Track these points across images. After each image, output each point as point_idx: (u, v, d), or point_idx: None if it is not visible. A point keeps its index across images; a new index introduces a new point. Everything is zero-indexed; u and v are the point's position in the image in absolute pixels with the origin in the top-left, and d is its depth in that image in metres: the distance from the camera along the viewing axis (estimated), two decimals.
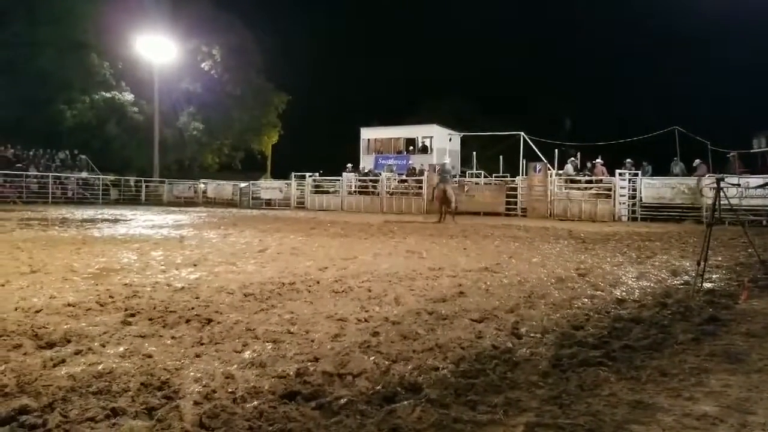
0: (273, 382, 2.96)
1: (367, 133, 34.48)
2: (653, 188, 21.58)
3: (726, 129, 29.11)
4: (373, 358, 3.39)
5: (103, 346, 3.52)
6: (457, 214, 19.61)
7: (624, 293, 5.73)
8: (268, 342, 3.70)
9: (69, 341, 3.60)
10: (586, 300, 5.33)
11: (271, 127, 51.34)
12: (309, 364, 3.26)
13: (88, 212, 21.29)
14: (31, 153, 34.55)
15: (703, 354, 3.54)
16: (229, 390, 2.83)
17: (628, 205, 22.06)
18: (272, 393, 2.81)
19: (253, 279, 6.13)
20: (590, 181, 23.39)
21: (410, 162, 30.70)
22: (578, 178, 23.82)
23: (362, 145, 34.32)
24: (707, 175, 19.67)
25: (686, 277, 6.72)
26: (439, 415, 2.55)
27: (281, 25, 55.31)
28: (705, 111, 40.56)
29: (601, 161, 23.63)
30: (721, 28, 42.04)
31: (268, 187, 34.81)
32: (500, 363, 3.33)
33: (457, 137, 32.07)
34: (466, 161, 31.96)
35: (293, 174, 32.43)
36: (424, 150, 32.18)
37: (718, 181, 5.95)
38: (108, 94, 40.72)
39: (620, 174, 22.20)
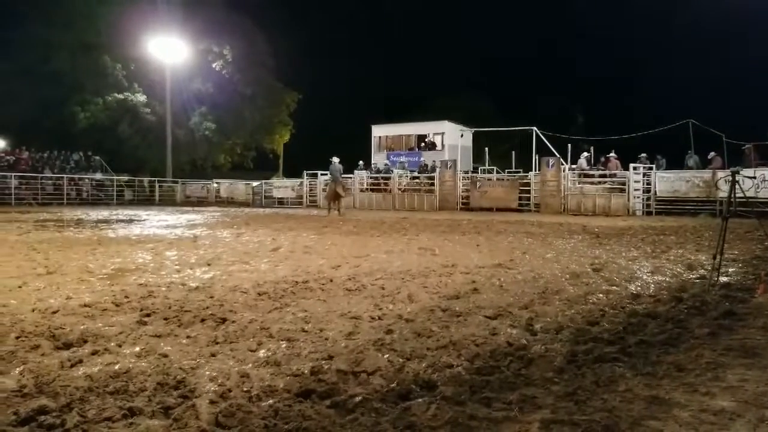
0: (288, 381, 2.97)
1: (378, 131, 34.41)
2: (668, 182, 21.41)
3: (741, 121, 28.77)
4: (387, 355, 3.40)
5: (120, 346, 3.55)
6: (470, 210, 20.16)
7: (639, 288, 5.70)
8: (282, 341, 3.72)
9: (86, 341, 3.63)
10: (601, 295, 5.30)
11: (283, 125, 51.41)
12: (323, 362, 3.27)
13: (102, 213, 21.46)
14: (46, 155, 34.86)
15: (719, 349, 3.51)
16: (245, 389, 2.85)
17: (643, 199, 21.90)
18: (287, 391, 2.82)
19: (267, 278, 6.15)
20: (604, 176, 23.25)
21: (422, 159, 30.62)
22: (592, 172, 23.68)
23: (373, 142, 34.26)
24: (722, 168, 19.51)
25: (702, 272, 6.67)
26: (454, 413, 2.55)
27: (292, 23, 55.37)
28: (720, 103, 40.18)
29: (615, 155, 23.47)
30: (736, 19, 41.56)
31: (281, 186, 34.94)
32: (515, 360, 3.33)
33: (468, 133, 31.96)
34: (478, 157, 31.86)
35: (305, 172, 32.50)
36: (436, 146, 32.06)
37: (734, 173, 5.89)
38: (121, 96, 40.95)
39: (634, 168, 22.04)
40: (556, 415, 2.53)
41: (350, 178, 30.40)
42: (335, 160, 22.14)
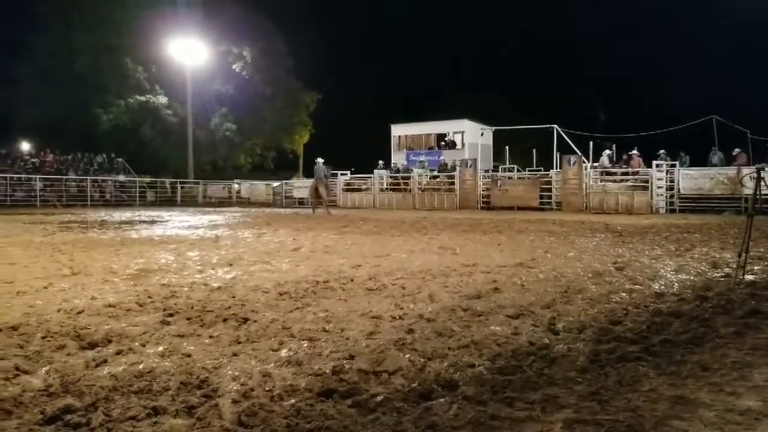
0: (309, 380, 2.98)
1: (398, 130, 34.35)
2: (691, 179, 21.15)
3: (766, 116, 28.33)
4: (408, 355, 3.39)
5: (143, 346, 3.59)
6: (491, 209, 20.33)
7: (663, 287, 5.63)
8: (303, 340, 3.73)
9: (110, 341, 3.68)
10: (624, 294, 5.25)
11: (302, 126, 51.58)
12: (345, 361, 3.27)
13: (125, 214, 21.70)
14: (70, 157, 35.36)
15: (745, 348, 3.46)
16: (267, 388, 2.86)
17: (666, 196, 21.67)
18: (309, 391, 2.83)
19: (288, 278, 6.17)
20: (626, 173, 23.03)
21: (441, 158, 30.52)
22: (614, 170, 23.47)
23: (393, 142, 34.22)
24: (747, 165, 19.22)
25: (727, 270, 6.58)
26: (475, 412, 2.54)
27: (310, 23, 55.48)
28: (744, 98, 39.52)
29: (637, 152, 23.24)
30: (760, 12, 40.87)
31: (301, 186, 35.05)
32: (537, 359, 3.31)
33: (489, 132, 31.79)
34: (498, 156, 31.70)
35: None
36: (456, 145, 31.93)
37: (759, 170, 5.79)
38: (142, 98, 41.40)
39: (657, 165, 21.81)
40: (579, 415, 2.51)
41: (369, 177, 30.47)
42: (319, 161, 23.29)
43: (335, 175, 31.55)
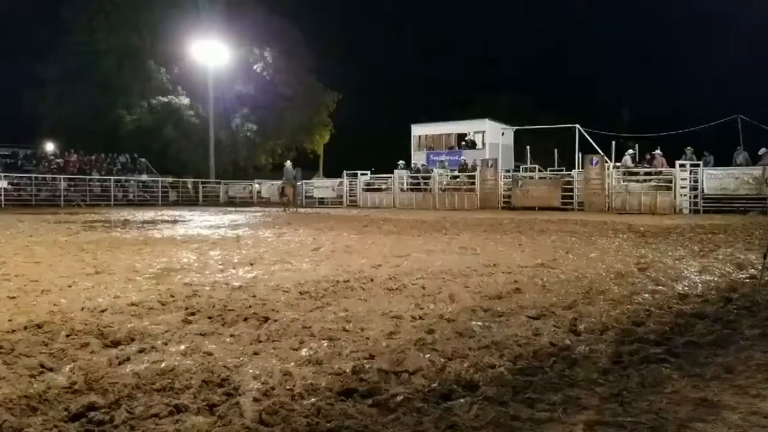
0: (330, 380, 2.98)
1: (418, 130, 34.30)
2: (715, 179, 20.88)
3: None
4: (428, 355, 3.38)
5: (166, 345, 3.62)
6: (512, 209, 22.68)
7: (686, 288, 5.56)
8: (324, 339, 3.74)
9: (133, 340, 3.71)
10: (647, 295, 5.19)
11: (323, 126, 51.77)
12: (365, 361, 3.27)
13: (148, 214, 21.92)
14: (93, 157, 35.83)
15: None
16: (287, 387, 2.87)
17: (690, 197, 21.41)
18: (329, 390, 2.84)
19: (308, 277, 6.19)
20: (649, 173, 22.79)
21: (462, 158, 30.42)
22: (637, 170, 23.24)
23: (413, 141, 34.17)
24: None
25: (752, 271, 6.48)
26: (496, 413, 2.53)
27: (331, 23, 55.63)
28: None
29: (660, 152, 22.99)
30: None
31: (321, 186, 35.18)
32: (558, 360, 3.28)
33: (510, 131, 31.63)
34: (519, 156, 31.54)
35: (345, 172, 32.66)
36: (476, 145, 31.80)
37: None
38: (165, 99, 41.85)
39: (681, 165, 21.55)
40: (601, 417, 2.49)
41: (389, 177, 30.49)
42: (288, 163, 26.05)
43: (354, 175, 31.65)
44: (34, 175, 31.10)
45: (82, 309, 4.59)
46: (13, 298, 5.04)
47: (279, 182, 26.95)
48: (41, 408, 2.61)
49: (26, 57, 41.50)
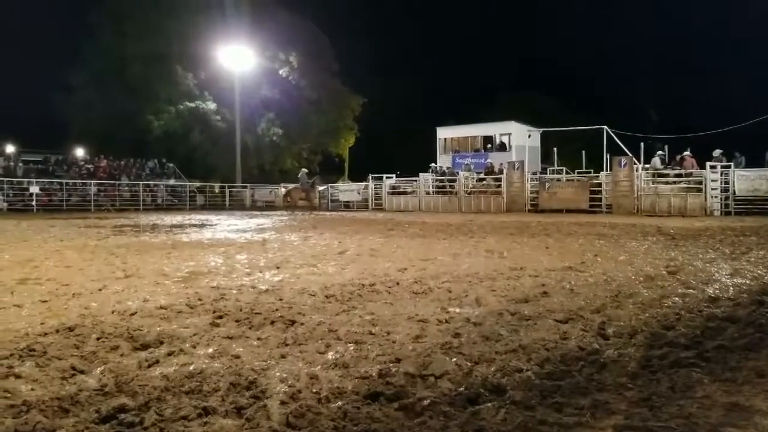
0: (356, 383, 2.98)
1: (444, 133, 34.22)
2: (747, 180, 20.50)
3: None
4: (455, 359, 3.37)
5: (194, 347, 3.65)
6: (539, 212, 23.31)
7: (717, 291, 5.46)
8: (350, 343, 3.74)
9: (162, 343, 3.75)
10: (677, 299, 5.11)
11: (348, 129, 51.97)
12: (391, 365, 3.27)
13: (176, 218, 22.18)
14: (122, 162, 36.38)
15: None
16: (314, 390, 2.88)
17: (721, 198, 21.05)
18: (356, 393, 2.84)
19: (334, 280, 6.20)
20: (679, 175, 22.45)
21: (488, 160, 30.28)
22: (666, 171, 22.91)
23: (439, 144, 34.10)
24: None
25: None
26: (524, 417, 2.51)
27: (356, 27, 55.87)
28: None
29: (690, 153, 22.64)
30: None
31: (346, 190, 35.27)
32: (587, 364, 3.24)
33: (536, 134, 31.41)
34: (546, 158, 31.30)
35: (370, 176, 32.71)
36: (503, 148, 31.60)
37: None
38: (192, 104, 42.35)
39: (711, 166, 21.20)
40: (630, 421, 2.45)
41: (415, 180, 30.47)
42: (303, 171, 28.91)
43: (379, 179, 31.68)
44: (65, 180, 31.65)
45: (112, 312, 4.64)
46: (45, 301, 5.12)
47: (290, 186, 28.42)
48: (73, 410, 2.65)
49: (56, 63, 42.41)
